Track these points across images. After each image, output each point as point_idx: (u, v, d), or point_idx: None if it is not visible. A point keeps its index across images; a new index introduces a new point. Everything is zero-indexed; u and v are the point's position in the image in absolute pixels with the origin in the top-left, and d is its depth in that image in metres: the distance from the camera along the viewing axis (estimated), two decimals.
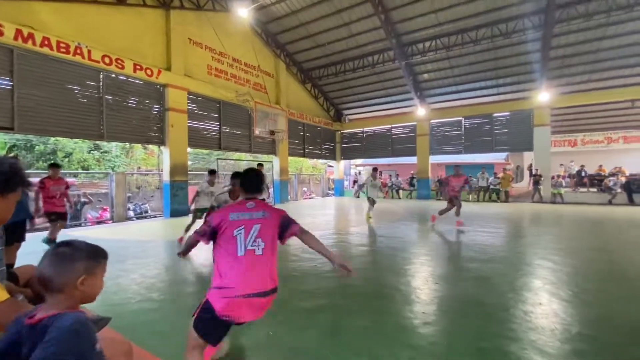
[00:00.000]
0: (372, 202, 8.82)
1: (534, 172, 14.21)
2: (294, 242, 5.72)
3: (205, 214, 7.62)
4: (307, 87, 17.72)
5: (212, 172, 6.38)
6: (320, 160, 25.24)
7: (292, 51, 15.65)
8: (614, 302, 3.13)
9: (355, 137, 20.23)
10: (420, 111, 16.85)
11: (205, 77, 11.90)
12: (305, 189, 19.90)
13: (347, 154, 20.64)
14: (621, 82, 13.23)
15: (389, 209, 12.48)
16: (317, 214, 11.31)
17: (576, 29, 11.37)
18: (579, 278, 3.87)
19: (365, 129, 19.85)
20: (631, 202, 12.77)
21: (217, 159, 15.25)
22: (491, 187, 15.00)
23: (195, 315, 1.70)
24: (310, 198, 19.13)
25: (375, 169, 9.08)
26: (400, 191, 18.42)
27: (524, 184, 18.13)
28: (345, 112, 20.17)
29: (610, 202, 13.04)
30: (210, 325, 1.65)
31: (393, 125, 18.75)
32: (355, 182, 21.09)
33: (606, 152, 18.26)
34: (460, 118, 16.62)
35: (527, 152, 16.23)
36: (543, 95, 13.72)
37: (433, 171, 18.90)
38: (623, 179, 13.62)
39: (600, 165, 15.69)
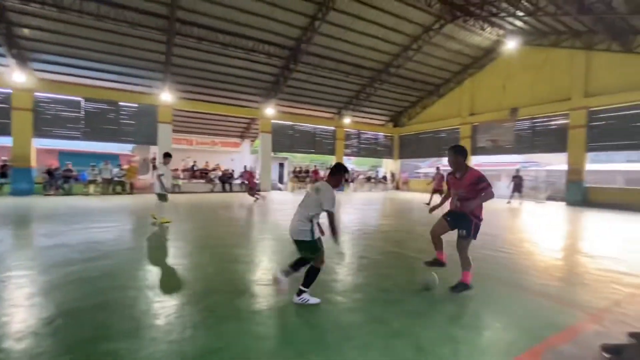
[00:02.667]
0: (165, 198, 6.87)
1: (157, 164, 15.28)
2: None
3: None
4: None
5: None
6: None
7: None
8: (197, 270, 4.00)
9: None
10: (19, 76, 12.49)
11: None
12: None
13: None
14: (222, 100, 17.63)
15: None
16: None
17: (193, 46, 13.55)
18: (189, 255, 4.59)
19: None
20: (224, 190, 17.49)
21: None
22: (115, 179, 14.27)
23: (474, 231, 3.26)
24: None
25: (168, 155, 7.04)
26: None
27: (149, 176, 19.04)
28: None
29: (212, 191, 17.04)
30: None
31: None
32: None
33: (211, 152, 23.64)
34: (80, 98, 14.26)
35: (153, 145, 17.14)
36: (166, 95, 15.14)
37: (40, 159, 14.75)
38: (220, 173, 18.32)
39: (207, 162, 20.04)
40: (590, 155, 14.17)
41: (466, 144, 18.57)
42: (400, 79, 18.31)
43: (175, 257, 4.50)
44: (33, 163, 13.45)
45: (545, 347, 2.34)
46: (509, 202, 13.56)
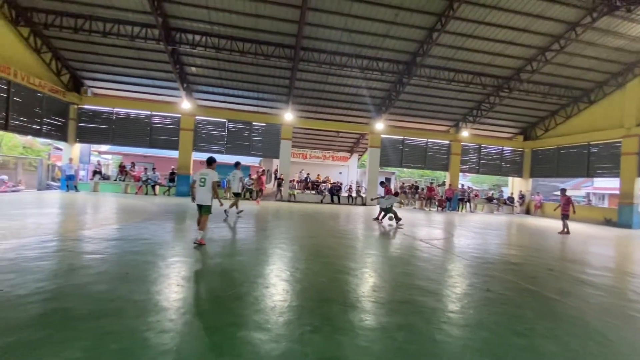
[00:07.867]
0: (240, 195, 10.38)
1: (278, 176, 17.23)
2: None
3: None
4: (22, 33, 12.45)
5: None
6: (40, 140, 18.45)
7: None
8: (312, 276, 4.27)
9: (101, 116, 16.41)
10: (186, 104, 16.18)
11: None
12: (4, 177, 13.76)
13: (87, 136, 16.39)
14: (335, 117, 18.76)
15: (140, 206, 11.00)
16: (26, 213, 8.09)
17: (312, 70, 14.95)
18: (304, 261, 5.01)
19: (117, 109, 16.56)
20: (333, 201, 18.30)
21: None
22: (246, 187, 16.69)
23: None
24: (14, 191, 13.44)
25: (238, 164, 10.23)
26: (157, 187, 16.76)
27: (270, 185, 21.61)
28: (89, 82, 15.95)
29: (321, 202, 18.07)
30: None
31: (154, 113, 16.82)
32: (96, 172, 17.00)
33: (322, 165, 25.22)
34: (224, 120, 17.44)
35: (275, 159, 19.45)
36: (288, 115, 17.03)
37: (195, 168, 18.62)
38: (329, 185, 19.29)
39: (318, 175, 21.45)
40: None
41: (631, 161, 14.51)
42: (534, 85, 15.77)
43: (292, 262, 4.93)
44: (191, 171, 17.06)
45: None
46: None
